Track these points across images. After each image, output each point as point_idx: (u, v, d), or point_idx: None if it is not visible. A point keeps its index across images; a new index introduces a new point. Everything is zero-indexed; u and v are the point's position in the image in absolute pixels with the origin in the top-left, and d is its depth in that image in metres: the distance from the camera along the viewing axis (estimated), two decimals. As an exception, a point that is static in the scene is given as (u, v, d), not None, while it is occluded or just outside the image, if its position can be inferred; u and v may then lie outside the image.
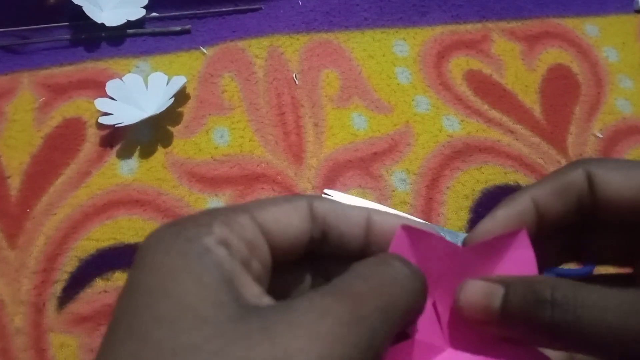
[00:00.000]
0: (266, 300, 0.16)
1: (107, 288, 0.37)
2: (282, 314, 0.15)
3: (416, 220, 0.22)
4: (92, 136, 0.43)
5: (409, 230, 0.20)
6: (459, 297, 0.19)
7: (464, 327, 0.20)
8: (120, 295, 0.16)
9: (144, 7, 0.48)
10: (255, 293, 0.16)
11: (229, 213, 0.17)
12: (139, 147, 0.43)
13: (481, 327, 0.19)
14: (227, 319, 0.15)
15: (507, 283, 0.18)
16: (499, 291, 0.18)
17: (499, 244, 0.21)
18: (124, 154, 0.42)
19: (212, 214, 0.17)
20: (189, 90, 0.46)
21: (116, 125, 0.42)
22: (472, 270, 0.21)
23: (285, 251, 0.18)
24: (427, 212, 0.42)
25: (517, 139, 0.46)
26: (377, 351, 0.15)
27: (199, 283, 0.15)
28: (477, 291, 0.19)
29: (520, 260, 0.20)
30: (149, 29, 0.48)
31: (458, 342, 0.20)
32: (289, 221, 0.18)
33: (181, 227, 0.17)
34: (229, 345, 0.14)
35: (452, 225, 0.41)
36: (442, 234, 0.38)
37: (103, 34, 0.47)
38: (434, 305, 0.21)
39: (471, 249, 0.21)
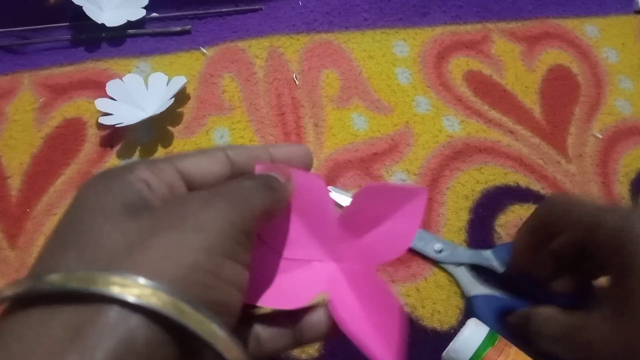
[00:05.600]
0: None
1: (107, 288, 0.37)
2: (172, 207, 0.18)
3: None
4: (93, 136, 0.43)
5: (264, 166, 0.23)
6: None
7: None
8: (54, 231, 0.19)
9: (144, 8, 0.48)
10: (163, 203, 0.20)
11: (152, 161, 0.21)
12: (139, 147, 0.43)
13: None
14: (125, 217, 0.17)
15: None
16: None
17: (397, 194, 0.24)
18: (125, 154, 0.42)
19: (136, 162, 0.20)
20: (189, 90, 0.46)
21: (116, 126, 0.42)
22: (362, 209, 0.24)
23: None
24: (427, 212, 0.42)
25: (517, 140, 0.46)
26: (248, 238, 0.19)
27: (115, 201, 0.18)
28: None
29: (408, 219, 0.24)
30: (149, 29, 0.48)
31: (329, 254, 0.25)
32: (207, 167, 0.22)
33: (108, 171, 0.20)
34: (120, 241, 0.17)
35: (452, 225, 0.41)
36: (438, 244, 0.39)
37: (103, 35, 0.47)
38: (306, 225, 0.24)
39: (369, 190, 0.24)
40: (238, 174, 0.22)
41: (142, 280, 0.15)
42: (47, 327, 0.15)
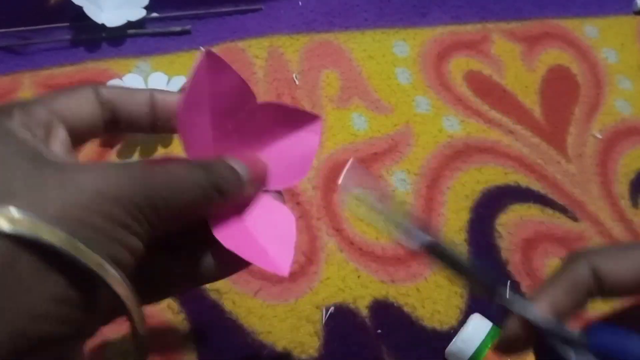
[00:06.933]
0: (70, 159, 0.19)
1: (107, 288, 0.37)
2: (76, 165, 0.18)
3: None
4: (93, 136, 0.43)
5: (211, 56, 0.21)
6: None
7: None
8: None
9: (145, 8, 0.48)
10: (58, 155, 0.19)
11: (25, 104, 0.20)
12: (139, 147, 0.43)
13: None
14: (30, 169, 0.17)
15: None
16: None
17: (295, 115, 0.23)
18: (124, 154, 0.42)
19: (10, 105, 0.19)
20: (190, 90, 0.46)
21: (117, 126, 0.42)
22: (261, 125, 0.22)
23: (83, 131, 0.21)
24: (428, 212, 0.42)
25: (517, 140, 0.46)
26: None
27: (6, 155, 0.17)
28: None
29: (306, 142, 0.23)
30: (149, 29, 0.48)
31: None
32: (79, 107, 0.21)
33: None
34: (30, 186, 0.17)
35: (452, 225, 0.41)
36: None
37: (103, 35, 0.47)
38: (213, 130, 0.22)
39: (267, 107, 0.23)
40: (111, 113, 0.21)
41: (17, 212, 0.15)
42: None
